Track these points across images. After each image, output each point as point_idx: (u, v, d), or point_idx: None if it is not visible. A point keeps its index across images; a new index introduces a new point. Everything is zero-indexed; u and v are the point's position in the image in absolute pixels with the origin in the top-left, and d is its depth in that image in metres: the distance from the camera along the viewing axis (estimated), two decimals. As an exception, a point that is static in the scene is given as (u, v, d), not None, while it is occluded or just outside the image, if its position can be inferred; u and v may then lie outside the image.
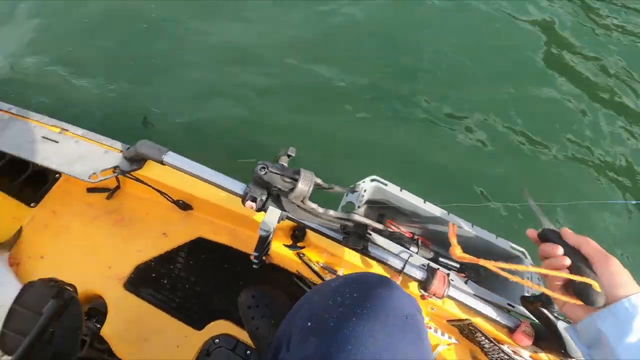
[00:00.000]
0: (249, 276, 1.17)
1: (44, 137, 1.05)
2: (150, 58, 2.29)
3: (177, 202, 1.18)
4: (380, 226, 0.95)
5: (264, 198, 0.94)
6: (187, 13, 2.49)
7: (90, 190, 1.25)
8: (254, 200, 0.95)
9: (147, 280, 1.15)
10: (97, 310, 1.14)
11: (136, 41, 2.36)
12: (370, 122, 2.18)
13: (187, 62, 2.30)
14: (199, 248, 1.20)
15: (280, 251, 1.13)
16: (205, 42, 2.38)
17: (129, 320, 1.09)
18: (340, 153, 2.03)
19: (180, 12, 2.49)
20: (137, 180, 1.05)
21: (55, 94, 2.09)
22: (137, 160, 1.06)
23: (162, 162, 0.98)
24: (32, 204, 1.22)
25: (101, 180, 1.02)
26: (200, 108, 2.13)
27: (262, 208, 0.96)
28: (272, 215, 0.93)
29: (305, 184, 0.77)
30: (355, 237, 0.91)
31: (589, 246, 0.67)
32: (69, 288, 0.81)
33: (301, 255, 1.18)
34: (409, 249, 1.00)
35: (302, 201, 0.84)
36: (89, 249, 1.18)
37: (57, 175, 1.27)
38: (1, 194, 1.13)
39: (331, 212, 0.88)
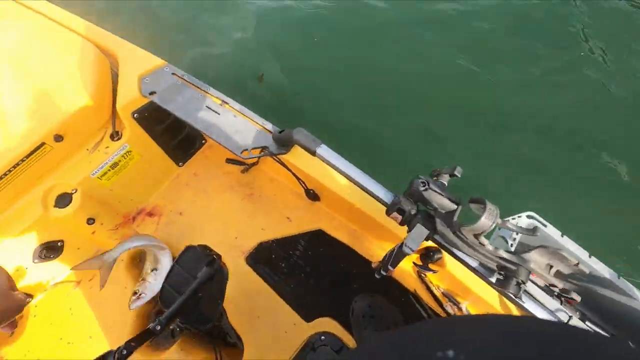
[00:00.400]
0: (363, 281, 1.14)
1: (207, 107, 1.12)
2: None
3: (308, 191, 1.18)
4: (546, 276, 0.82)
5: (413, 213, 0.88)
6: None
7: (229, 161, 1.32)
8: (401, 213, 0.89)
9: (266, 260, 1.18)
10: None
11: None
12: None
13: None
14: (319, 240, 1.20)
15: (403, 266, 1.07)
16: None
17: (245, 294, 1.14)
18: (500, 175, 1.86)
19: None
20: (280, 163, 1.07)
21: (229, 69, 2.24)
22: (286, 145, 1.08)
23: (313, 153, 0.97)
24: (180, 164, 1.33)
25: (251, 157, 1.05)
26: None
27: (408, 223, 0.90)
28: (419, 233, 0.87)
29: (489, 219, 0.69)
30: (514, 283, 0.81)
31: None
32: (218, 259, 0.85)
33: (422, 275, 1.11)
34: (564, 308, 0.86)
35: (474, 235, 0.76)
36: (221, 215, 1.25)
37: (202, 142, 1.37)
38: (160, 151, 1.24)
39: (502, 252, 0.78)
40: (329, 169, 1.08)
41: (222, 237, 1.22)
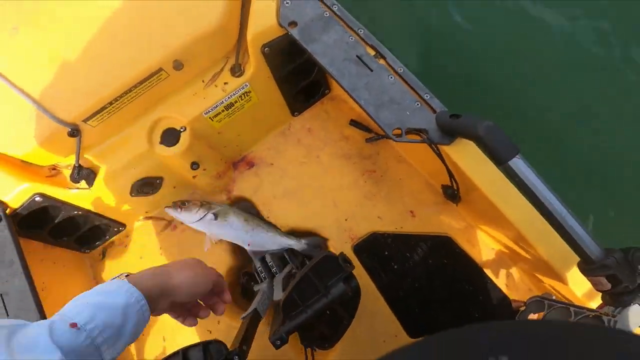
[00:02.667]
0: (488, 314, 0.94)
1: (358, 58, 0.84)
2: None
3: (451, 189, 0.93)
4: None
5: (630, 288, 0.64)
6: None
7: (353, 123, 1.08)
8: (613, 281, 0.65)
9: (377, 254, 1.01)
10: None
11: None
12: None
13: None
14: (444, 249, 0.99)
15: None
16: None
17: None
18: None
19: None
20: (439, 155, 0.82)
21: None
22: (452, 134, 0.81)
23: (501, 162, 0.70)
24: (295, 113, 1.11)
25: (403, 140, 0.81)
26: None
27: (616, 297, 0.65)
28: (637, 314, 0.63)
29: None
30: None
31: None
32: (355, 277, 0.67)
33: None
34: None
35: None
36: (331, 188, 1.06)
37: (325, 91, 1.12)
38: (279, 95, 1.02)
39: None
40: (497, 175, 0.82)
41: (331, 214, 1.04)
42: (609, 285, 0.66)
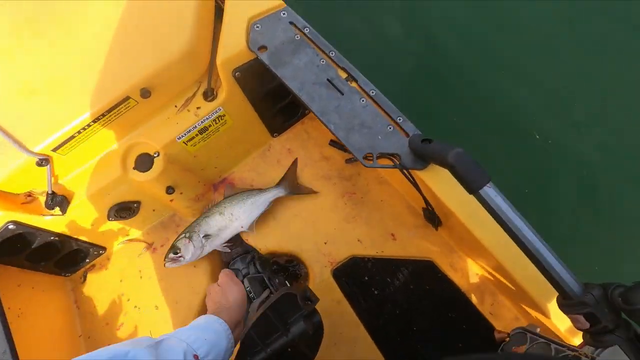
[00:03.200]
0: (472, 342, 0.90)
1: (329, 81, 0.82)
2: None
3: (431, 213, 0.90)
4: None
5: (610, 328, 0.59)
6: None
7: (333, 143, 1.05)
8: (591, 320, 0.61)
9: (357, 279, 0.98)
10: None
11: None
12: None
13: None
14: (426, 274, 0.96)
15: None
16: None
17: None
18: None
19: None
20: (412, 182, 0.79)
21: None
22: (424, 159, 0.78)
23: (472, 191, 0.67)
24: (274, 134, 1.10)
25: (375, 166, 0.78)
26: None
27: (595, 336, 0.61)
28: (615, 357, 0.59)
29: None
30: None
31: None
32: (318, 312, 0.65)
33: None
34: None
35: None
36: (311, 210, 1.04)
37: (305, 112, 1.10)
38: (256, 117, 1.00)
39: None
40: (470, 201, 0.78)
41: (309, 238, 1.01)
42: (587, 324, 0.61)
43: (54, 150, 0.80)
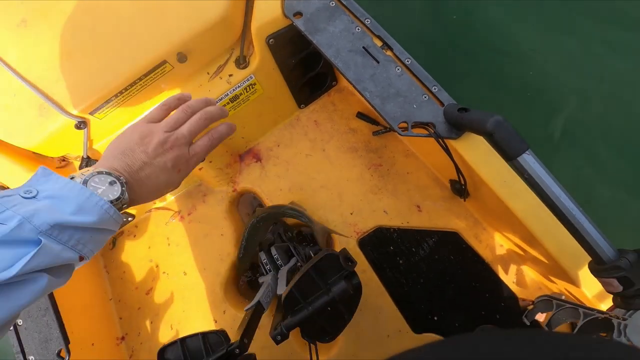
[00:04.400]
0: (494, 311, 0.93)
1: (364, 50, 0.82)
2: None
3: (459, 185, 0.91)
4: None
5: (642, 291, 0.61)
6: None
7: (360, 115, 1.06)
8: (625, 283, 0.62)
9: (382, 249, 1.00)
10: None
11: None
12: None
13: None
14: (451, 244, 0.98)
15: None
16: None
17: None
18: None
19: None
20: (446, 151, 0.80)
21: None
22: (460, 128, 0.79)
23: (511, 158, 0.68)
24: (301, 105, 1.10)
25: (409, 134, 0.79)
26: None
27: (628, 300, 0.63)
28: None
29: None
30: None
31: None
32: (357, 275, 0.67)
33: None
34: None
35: None
36: (337, 182, 1.05)
37: (333, 83, 1.10)
38: (285, 87, 1.00)
39: None
40: (505, 171, 0.79)
41: (334, 208, 1.03)
42: (620, 288, 0.63)
43: (91, 113, 0.81)
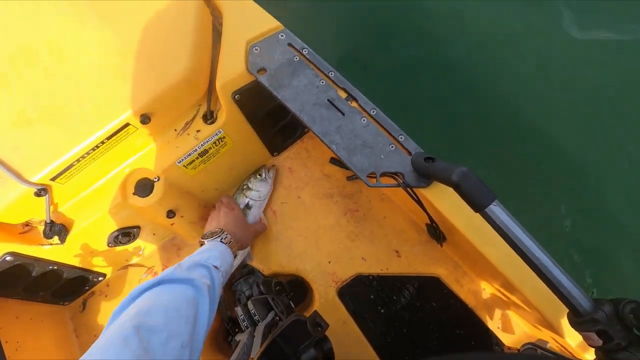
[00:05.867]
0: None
1: (329, 102, 0.83)
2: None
3: (434, 229, 0.90)
4: None
5: (622, 345, 0.59)
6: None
7: (334, 161, 1.05)
8: (604, 337, 0.60)
9: (362, 298, 0.97)
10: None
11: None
12: None
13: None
14: (433, 290, 0.95)
15: None
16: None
17: (332, 332, 0.95)
18: None
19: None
20: (416, 200, 0.79)
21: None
22: (427, 177, 0.78)
23: (478, 210, 0.67)
24: (274, 153, 1.09)
25: (378, 185, 0.78)
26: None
27: (609, 353, 0.61)
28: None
29: None
30: None
31: None
32: (329, 339, 0.63)
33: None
34: None
35: None
36: (314, 230, 1.03)
37: (305, 130, 1.10)
38: (256, 137, 1.00)
39: None
40: (474, 217, 0.78)
41: (314, 257, 1.00)
42: (600, 342, 0.61)
43: (53, 179, 0.79)
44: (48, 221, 0.85)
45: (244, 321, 0.93)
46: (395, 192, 1.00)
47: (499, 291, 0.90)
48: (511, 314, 0.91)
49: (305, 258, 1.01)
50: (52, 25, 0.81)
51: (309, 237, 1.03)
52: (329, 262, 0.99)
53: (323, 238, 1.02)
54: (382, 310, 0.95)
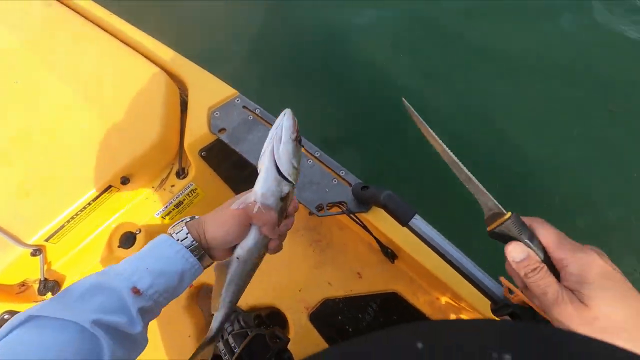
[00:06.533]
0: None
1: (280, 149, 0.99)
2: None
3: (385, 248, 1.02)
4: None
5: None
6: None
7: (296, 199, 1.20)
8: (515, 318, 0.71)
9: (331, 320, 1.06)
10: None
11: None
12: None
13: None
14: (393, 305, 1.05)
15: None
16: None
17: (305, 355, 1.03)
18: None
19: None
20: (359, 223, 0.92)
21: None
22: (367, 203, 0.92)
23: (404, 224, 0.80)
24: (244, 198, 1.23)
25: (327, 215, 0.92)
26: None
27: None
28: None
29: None
30: None
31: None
32: (289, 351, 0.73)
33: None
34: None
35: None
36: (285, 262, 1.14)
37: (269, 174, 1.26)
38: (225, 186, 1.15)
39: None
40: (410, 233, 0.92)
41: (285, 288, 1.11)
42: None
43: (47, 240, 0.91)
44: (42, 279, 0.96)
45: (225, 355, 1.02)
46: (350, 220, 1.14)
47: (451, 299, 1.00)
48: (462, 316, 1.01)
49: (279, 289, 1.11)
50: (44, 111, 0.98)
51: (281, 270, 1.14)
52: (299, 291, 1.10)
53: (293, 269, 1.13)
54: (350, 329, 1.05)
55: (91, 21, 1.17)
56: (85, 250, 1.01)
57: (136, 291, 0.48)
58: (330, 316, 1.07)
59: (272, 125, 1.03)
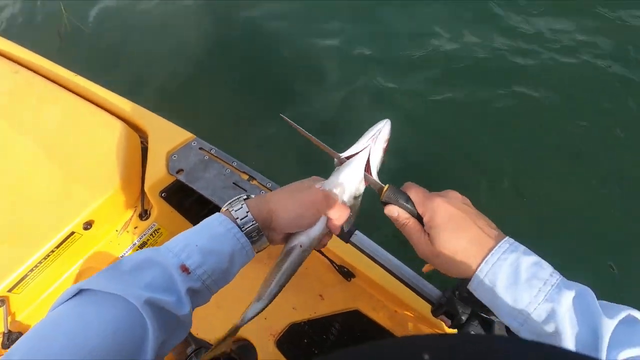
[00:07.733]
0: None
1: (234, 184, 1.07)
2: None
3: (340, 269, 1.09)
4: None
5: (464, 319, 0.76)
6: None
7: (258, 230, 1.27)
8: (450, 317, 0.78)
9: (298, 344, 1.09)
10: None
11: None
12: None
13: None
14: (355, 321, 1.10)
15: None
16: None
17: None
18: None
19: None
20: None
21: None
22: (316, 225, 1.00)
23: (347, 240, 0.88)
24: (208, 234, 1.29)
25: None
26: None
27: (458, 327, 0.78)
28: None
29: None
30: None
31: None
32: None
33: None
34: None
35: None
36: (249, 291, 1.18)
37: (231, 209, 1.33)
38: (188, 224, 1.21)
39: None
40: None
41: (251, 316, 1.14)
42: (449, 322, 0.79)
43: (9, 290, 0.94)
44: (6, 331, 0.97)
45: (196, 391, 1.03)
46: (310, 244, 1.20)
47: (406, 309, 1.06)
48: (422, 327, 1.06)
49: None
50: (7, 167, 1.04)
51: (247, 299, 1.17)
52: (265, 319, 1.13)
53: (258, 298, 1.17)
54: (316, 351, 1.08)
55: (56, 83, 1.27)
56: (51, 298, 1.03)
57: (185, 269, 0.45)
58: (297, 340, 1.10)
59: (228, 163, 1.13)
